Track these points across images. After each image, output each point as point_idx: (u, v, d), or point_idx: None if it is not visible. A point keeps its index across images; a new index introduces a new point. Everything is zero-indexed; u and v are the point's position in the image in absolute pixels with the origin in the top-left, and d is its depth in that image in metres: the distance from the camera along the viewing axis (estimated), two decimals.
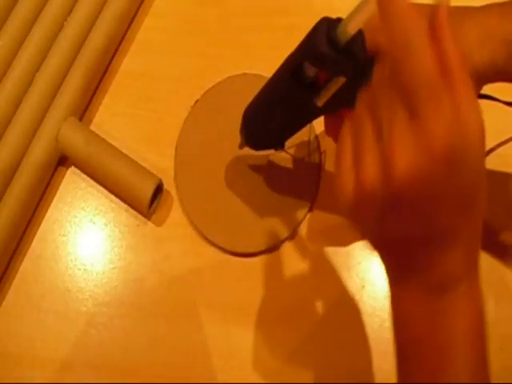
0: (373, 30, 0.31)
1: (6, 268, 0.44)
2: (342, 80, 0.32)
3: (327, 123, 0.38)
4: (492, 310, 0.41)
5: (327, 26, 0.30)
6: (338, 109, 0.36)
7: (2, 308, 0.43)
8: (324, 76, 0.32)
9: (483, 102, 0.36)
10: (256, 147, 0.42)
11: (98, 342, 0.42)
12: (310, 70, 0.32)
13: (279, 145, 0.41)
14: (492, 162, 0.44)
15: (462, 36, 0.30)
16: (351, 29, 0.29)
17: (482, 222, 0.26)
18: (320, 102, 0.34)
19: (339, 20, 0.30)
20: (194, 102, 0.47)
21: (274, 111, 0.37)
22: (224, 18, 0.50)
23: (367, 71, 0.32)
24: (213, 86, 0.47)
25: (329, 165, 0.45)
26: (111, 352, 0.42)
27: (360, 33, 0.31)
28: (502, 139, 0.45)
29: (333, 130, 0.38)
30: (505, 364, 0.40)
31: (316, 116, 0.37)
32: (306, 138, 0.45)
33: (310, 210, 0.44)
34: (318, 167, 0.44)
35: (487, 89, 0.33)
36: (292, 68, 0.33)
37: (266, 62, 0.44)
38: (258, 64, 0.47)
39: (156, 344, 0.42)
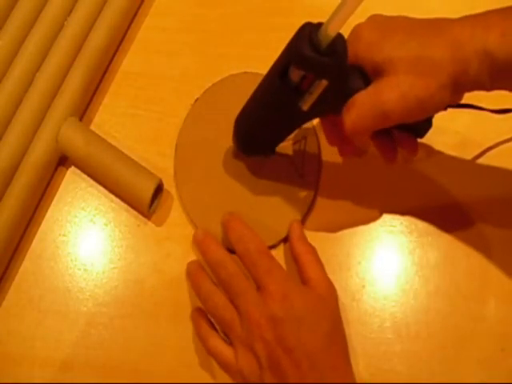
0: (353, 41, 0.34)
1: (6, 268, 0.44)
2: (324, 83, 0.32)
3: (326, 133, 0.39)
4: (492, 309, 0.41)
5: (309, 30, 0.31)
6: (324, 114, 0.37)
7: (2, 308, 0.43)
8: (308, 80, 0.33)
9: (468, 110, 0.38)
10: (247, 153, 0.43)
11: (98, 342, 0.42)
12: (295, 74, 0.33)
13: (269, 150, 0.42)
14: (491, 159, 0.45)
15: (436, 47, 0.31)
16: (331, 31, 0.30)
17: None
18: (305, 106, 0.34)
19: (321, 24, 0.31)
20: (193, 101, 0.47)
21: (263, 116, 0.38)
22: (224, 18, 0.50)
23: (349, 78, 0.33)
24: (213, 85, 0.47)
25: (329, 165, 0.45)
26: (111, 352, 0.42)
27: (341, 38, 0.32)
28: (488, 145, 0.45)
29: (334, 140, 0.39)
30: (505, 364, 0.40)
31: (303, 121, 0.37)
32: (304, 139, 0.45)
33: (310, 209, 0.44)
34: (318, 167, 0.45)
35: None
36: (278, 72, 0.34)
37: (266, 62, 0.44)
38: (258, 64, 0.46)
39: (156, 344, 0.42)
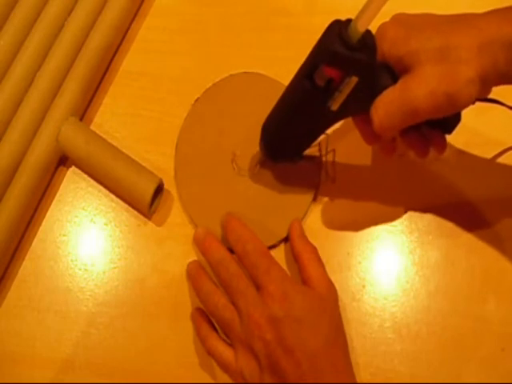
0: (378, 40, 0.34)
1: (7, 268, 0.44)
2: (354, 80, 0.32)
3: (362, 133, 0.39)
4: (492, 309, 0.41)
5: (339, 27, 0.31)
6: (353, 114, 0.37)
7: (2, 308, 0.43)
8: (337, 79, 0.33)
9: (491, 106, 0.37)
10: (275, 158, 0.42)
11: (99, 341, 0.42)
12: (321, 76, 0.33)
13: (297, 155, 0.41)
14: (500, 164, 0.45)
15: (462, 40, 0.31)
16: (361, 26, 0.30)
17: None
18: (334, 106, 0.34)
19: (350, 20, 0.31)
20: (194, 101, 0.47)
21: (292, 119, 0.37)
22: (224, 18, 0.50)
23: (378, 74, 0.33)
24: (213, 85, 0.47)
25: (329, 165, 0.45)
26: (111, 352, 0.42)
27: (370, 34, 0.32)
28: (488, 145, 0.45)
29: (371, 138, 0.39)
30: (505, 364, 0.40)
31: (332, 121, 0.37)
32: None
33: (310, 209, 0.44)
34: (319, 167, 0.44)
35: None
36: (307, 71, 0.34)
37: (266, 62, 0.44)
38: (258, 64, 0.47)
39: (156, 344, 0.42)
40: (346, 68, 0.32)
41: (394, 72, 0.34)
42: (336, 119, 0.37)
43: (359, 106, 0.35)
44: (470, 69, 0.31)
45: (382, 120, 0.34)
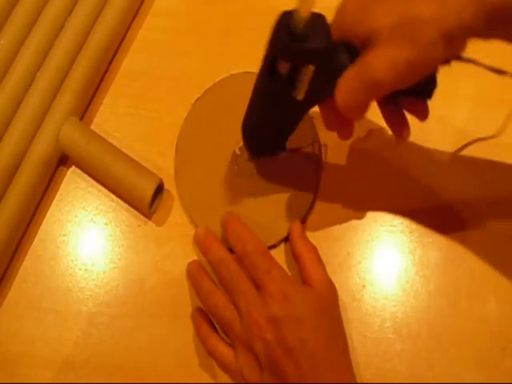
0: (337, 17, 0.33)
1: (7, 268, 0.44)
2: (311, 68, 0.32)
3: (324, 118, 0.38)
4: (492, 309, 0.41)
5: (286, 18, 0.30)
6: (322, 99, 0.36)
7: (2, 308, 0.43)
8: (297, 69, 0.32)
9: (468, 67, 0.36)
10: (257, 154, 0.42)
11: (99, 341, 0.42)
12: (283, 66, 0.33)
13: (280, 148, 0.41)
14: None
15: (422, 5, 0.30)
16: (304, 12, 0.29)
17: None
18: (300, 95, 0.34)
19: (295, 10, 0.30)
20: (194, 101, 0.47)
21: (263, 113, 0.38)
22: (224, 18, 0.50)
23: (334, 57, 0.32)
24: (213, 85, 0.47)
25: (329, 165, 0.45)
26: (112, 352, 0.42)
27: (320, 17, 0.31)
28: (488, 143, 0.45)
29: (332, 125, 0.38)
30: (505, 364, 0.40)
31: (302, 111, 0.37)
32: (306, 139, 0.45)
33: (310, 209, 0.44)
34: (319, 167, 0.45)
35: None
36: (266, 68, 0.34)
37: None
38: (258, 64, 0.46)
39: (157, 344, 0.42)
40: (299, 59, 0.31)
41: (355, 50, 0.32)
42: (306, 107, 0.36)
43: (325, 91, 0.34)
44: (430, 30, 0.29)
45: (345, 99, 0.32)
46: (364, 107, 0.33)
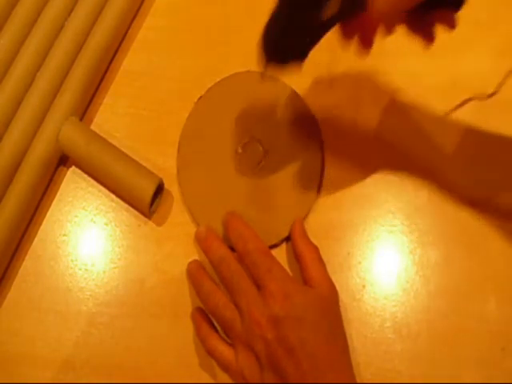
0: None
1: (7, 268, 0.44)
2: None
3: (344, 29, 0.37)
4: (492, 309, 0.42)
5: None
6: (356, 8, 0.34)
7: (2, 308, 0.43)
8: None
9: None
10: (278, 59, 0.39)
11: (99, 341, 0.42)
12: None
13: (300, 56, 0.39)
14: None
15: None
16: None
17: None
18: None
19: None
20: (195, 100, 0.47)
21: (290, 15, 0.36)
22: (225, 18, 0.50)
23: None
24: (217, 83, 0.47)
25: (330, 165, 0.45)
26: (112, 352, 0.42)
27: None
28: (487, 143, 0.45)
29: (349, 34, 0.37)
30: (505, 364, 0.40)
31: (330, 21, 0.35)
32: (306, 139, 0.45)
33: (311, 209, 0.44)
34: (320, 167, 0.45)
35: None
36: None
37: None
38: (259, 63, 0.47)
39: (157, 344, 0.42)
40: None
41: None
42: (335, 19, 0.35)
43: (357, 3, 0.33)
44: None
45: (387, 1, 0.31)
46: (398, 14, 0.33)
